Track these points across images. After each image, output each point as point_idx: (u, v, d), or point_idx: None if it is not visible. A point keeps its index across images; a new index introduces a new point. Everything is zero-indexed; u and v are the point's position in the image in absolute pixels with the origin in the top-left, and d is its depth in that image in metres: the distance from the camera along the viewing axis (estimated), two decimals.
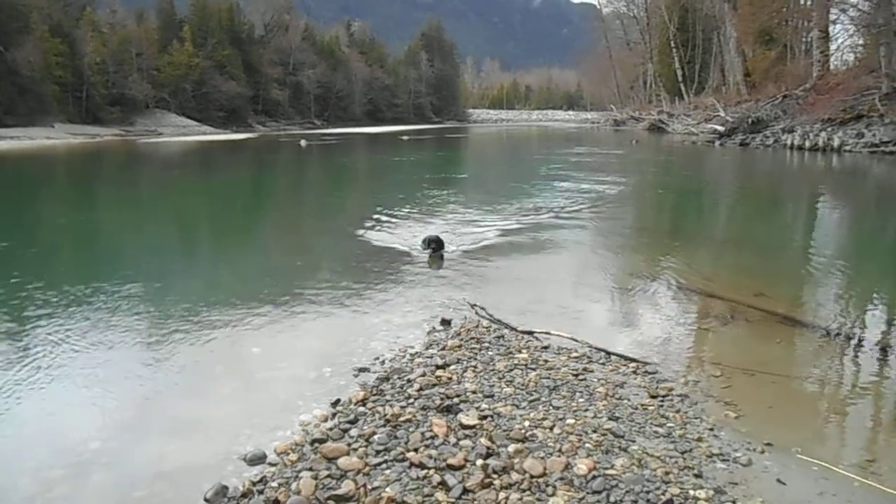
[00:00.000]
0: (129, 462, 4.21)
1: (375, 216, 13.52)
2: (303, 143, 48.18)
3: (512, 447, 4.13)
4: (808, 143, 33.30)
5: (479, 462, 3.92)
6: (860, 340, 6.79)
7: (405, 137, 56.10)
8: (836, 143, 31.62)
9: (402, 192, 18.53)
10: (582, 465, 3.93)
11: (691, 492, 3.75)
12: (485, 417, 4.53)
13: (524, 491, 3.69)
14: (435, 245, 9.64)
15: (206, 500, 3.70)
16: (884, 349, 6.52)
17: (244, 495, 3.70)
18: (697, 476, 3.96)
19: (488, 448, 4.09)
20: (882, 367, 6.11)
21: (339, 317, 7.18)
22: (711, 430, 4.59)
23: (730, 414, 4.86)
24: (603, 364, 5.73)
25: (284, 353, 6.13)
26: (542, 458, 4.03)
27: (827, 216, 16.39)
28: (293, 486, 3.73)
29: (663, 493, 3.69)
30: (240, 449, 4.26)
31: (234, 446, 4.31)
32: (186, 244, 12.87)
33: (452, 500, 3.58)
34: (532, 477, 3.81)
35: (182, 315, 7.06)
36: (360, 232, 12.00)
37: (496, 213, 14.47)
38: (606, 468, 3.95)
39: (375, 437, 4.25)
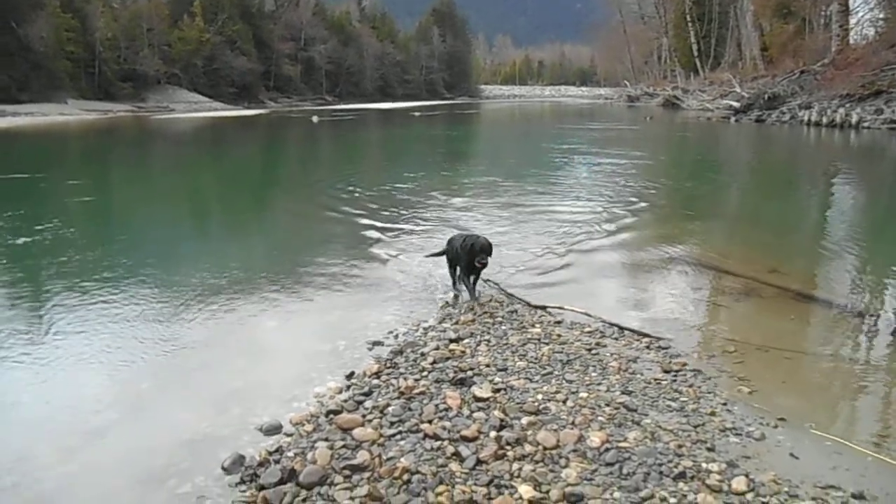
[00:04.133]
0: (147, 432, 4.28)
1: (389, 193, 13.54)
2: (315, 118, 48.10)
3: (525, 419, 4.16)
4: (825, 120, 32.81)
5: (493, 434, 3.95)
6: (874, 317, 6.74)
7: (417, 113, 55.85)
8: (854, 119, 31.13)
9: (415, 167, 18.52)
10: (595, 438, 3.96)
11: (704, 465, 3.76)
12: (498, 390, 4.56)
13: (537, 462, 3.72)
14: (482, 254, 6.57)
15: (223, 468, 3.76)
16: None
17: (261, 464, 3.76)
18: (710, 450, 3.97)
19: (502, 420, 4.12)
20: (895, 345, 6.08)
21: (352, 291, 7.22)
22: (724, 404, 4.60)
23: (743, 389, 4.86)
24: (616, 339, 5.74)
25: (299, 328, 6.19)
26: (556, 430, 4.05)
27: (843, 194, 16.19)
28: (309, 455, 3.78)
29: (676, 466, 3.71)
30: (256, 420, 4.32)
31: (250, 417, 4.37)
32: (200, 221, 12.94)
33: (466, 470, 3.62)
34: (545, 449, 3.84)
35: (197, 291, 7.12)
36: (375, 209, 12.01)
37: (509, 188, 14.43)
38: (619, 441, 3.97)
39: (390, 408, 4.29)
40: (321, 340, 5.74)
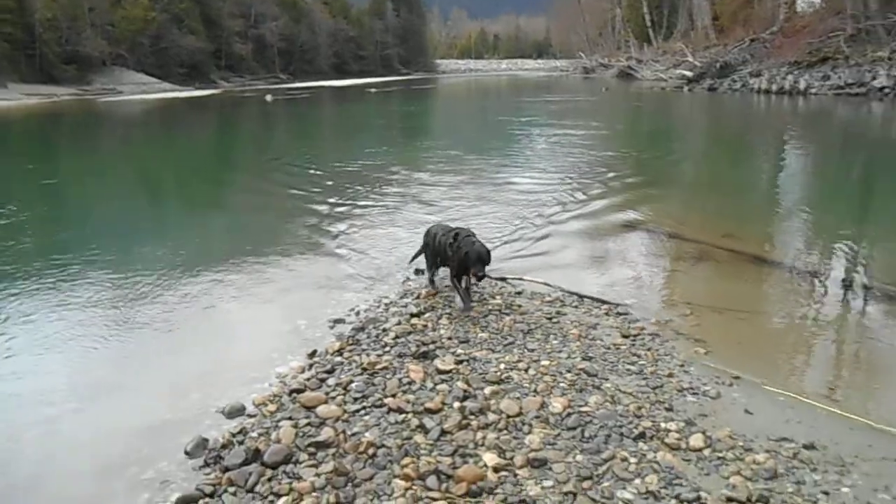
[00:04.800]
0: (107, 420, 4.20)
1: (349, 169, 13.40)
2: (269, 97, 47.11)
3: (488, 389, 4.20)
4: (774, 87, 33.50)
5: (457, 405, 3.98)
6: (825, 278, 6.96)
7: (373, 90, 55.20)
8: (802, 85, 31.85)
9: (374, 143, 18.33)
10: (557, 404, 4.02)
11: (663, 424, 3.86)
12: (461, 362, 4.59)
13: (501, 430, 3.77)
14: (479, 265, 5.46)
15: (186, 452, 3.72)
16: (847, 285, 6.70)
17: (224, 446, 3.73)
18: (668, 409, 4.08)
19: (465, 391, 4.16)
20: (845, 303, 6.30)
21: (311, 271, 7.16)
22: (682, 366, 4.71)
23: (699, 350, 4.99)
24: (576, 307, 5.81)
25: (258, 309, 6.12)
26: (518, 398, 4.11)
27: (793, 159, 16.59)
28: (273, 435, 3.76)
29: (636, 427, 3.80)
30: (218, 403, 4.28)
31: (211, 400, 4.32)
32: (155, 204, 12.63)
33: (431, 442, 3.64)
34: (509, 417, 3.89)
35: (153, 275, 6.96)
36: (335, 186, 11.88)
37: (470, 162, 14.41)
38: (581, 406, 4.04)
39: (353, 385, 4.28)
40: (282, 321, 5.69)
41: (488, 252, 5.58)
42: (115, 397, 4.53)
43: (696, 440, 3.69)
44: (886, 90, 27.73)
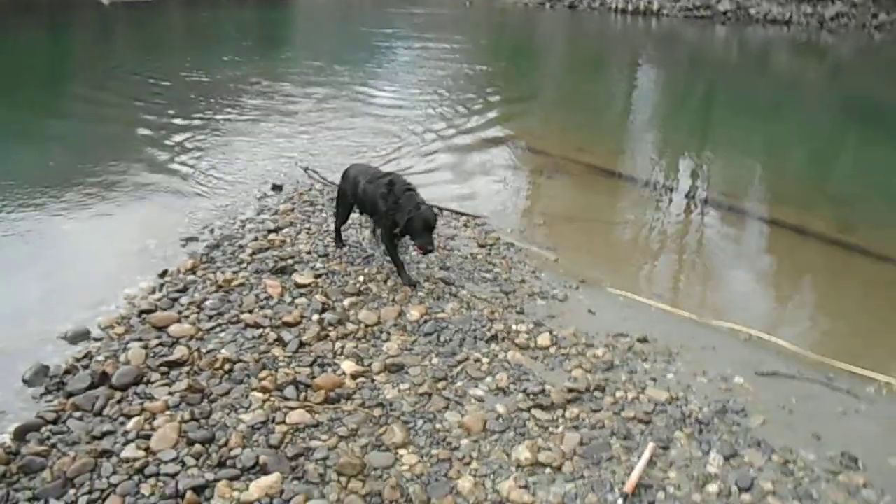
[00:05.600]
0: None
1: (203, 80, 12.51)
2: (105, 1, 42.49)
3: (347, 301, 4.24)
4: (630, 7, 34.56)
5: (315, 317, 4.00)
6: (668, 188, 7.52)
7: None
8: (655, 6, 33.09)
9: (231, 53, 17.08)
10: (414, 312, 4.14)
11: (514, 326, 4.10)
12: (320, 276, 4.58)
13: (360, 339, 3.84)
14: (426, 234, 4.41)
15: (24, 381, 3.49)
16: (688, 195, 7.30)
17: (68, 372, 3.53)
18: (520, 313, 4.32)
19: (324, 304, 4.17)
20: (685, 212, 6.87)
21: (161, 188, 6.70)
22: (534, 272, 4.98)
23: (550, 257, 5.28)
24: None
25: (102, 228, 5.72)
26: (377, 308, 4.18)
27: (644, 78, 17.37)
28: (122, 357, 3.60)
29: (489, 330, 4.01)
30: (59, 328, 4.00)
31: (51, 326, 4.03)
32: None
33: (289, 354, 3.65)
34: (367, 326, 3.97)
35: None
36: (190, 97, 11.05)
37: (334, 75, 13.90)
38: (437, 312, 4.19)
39: (207, 303, 4.17)
40: (129, 240, 5.34)
41: (435, 215, 4.49)
42: None
43: (543, 339, 3.96)
44: (728, 14, 29.50)
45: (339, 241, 5.14)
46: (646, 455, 2.96)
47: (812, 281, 5.74)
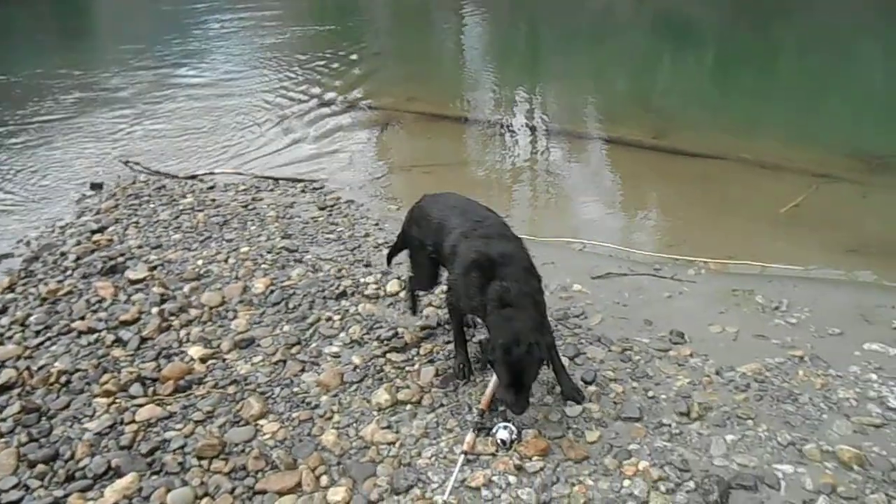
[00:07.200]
0: None
1: None
2: None
3: (187, 287, 4.08)
4: None
5: (155, 310, 3.82)
6: (500, 127, 7.75)
7: None
8: None
9: (25, 52, 15.41)
10: (259, 284, 4.06)
11: (362, 279, 4.13)
12: (154, 268, 4.37)
13: (205, 322, 3.73)
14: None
15: None
16: (523, 128, 7.58)
17: None
18: (367, 266, 4.35)
19: (162, 294, 3.99)
20: (521, 144, 7.16)
21: None
22: (377, 224, 5.02)
23: (391, 207, 5.34)
24: (272, 191, 5.78)
25: None
26: (220, 288, 4.06)
27: (469, 22, 17.58)
28: None
29: (337, 288, 4.01)
30: None
31: None
32: None
33: (131, 352, 3.47)
34: (211, 308, 3.85)
35: None
36: None
37: (152, 59, 12.92)
38: (283, 281, 4.13)
39: (32, 318, 3.85)
40: None
41: (540, 360, 2.73)
42: None
43: (392, 286, 4.02)
44: None
45: (413, 310, 3.70)
46: None
47: (636, 187, 6.22)
